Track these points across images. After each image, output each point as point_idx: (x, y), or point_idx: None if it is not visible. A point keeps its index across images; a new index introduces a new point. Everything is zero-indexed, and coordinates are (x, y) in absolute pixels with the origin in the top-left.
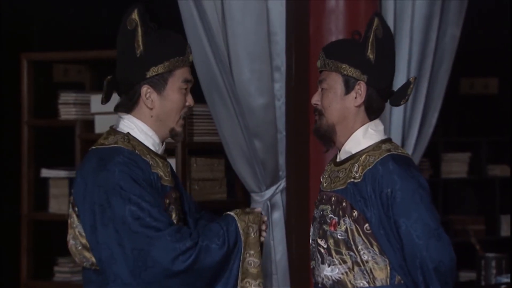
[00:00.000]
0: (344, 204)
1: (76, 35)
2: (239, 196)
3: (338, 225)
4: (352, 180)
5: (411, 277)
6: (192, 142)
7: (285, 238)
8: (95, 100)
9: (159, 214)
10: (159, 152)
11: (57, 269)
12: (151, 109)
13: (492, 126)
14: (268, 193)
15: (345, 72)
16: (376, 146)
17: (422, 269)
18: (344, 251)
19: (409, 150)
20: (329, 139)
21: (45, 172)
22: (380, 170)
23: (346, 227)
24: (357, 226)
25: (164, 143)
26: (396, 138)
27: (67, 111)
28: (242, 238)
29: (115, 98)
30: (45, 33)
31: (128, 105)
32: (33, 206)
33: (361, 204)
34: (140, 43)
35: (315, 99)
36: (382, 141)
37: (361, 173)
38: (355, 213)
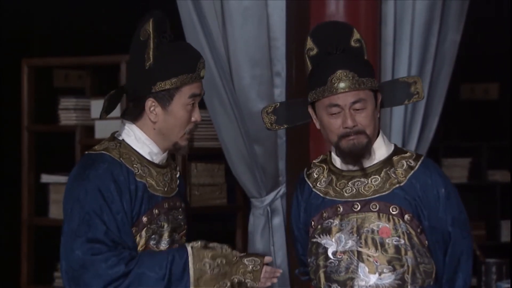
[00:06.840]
0: (395, 209)
1: (76, 40)
2: (239, 202)
3: (392, 230)
4: (397, 185)
5: (444, 276)
6: (192, 148)
7: (285, 243)
8: (96, 105)
9: (109, 234)
10: (156, 161)
11: (57, 275)
12: (154, 122)
13: (493, 131)
14: (268, 198)
15: (371, 84)
16: (398, 150)
17: (463, 265)
18: (399, 256)
19: None
20: (368, 155)
21: (45, 178)
22: (427, 172)
23: (402, 231)
24: (412, 229)
25: (167, 153)
26: (397, 143)
27: (67, 117)
28: (192, 274)
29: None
30: (45, 39)
31: (133, 114)
32: (33, 212)
33: (413, 206)
34: (151, 56)
35: (352, 123)
36: (395, 145)
37: (405, 176)
38: (408, 217)
